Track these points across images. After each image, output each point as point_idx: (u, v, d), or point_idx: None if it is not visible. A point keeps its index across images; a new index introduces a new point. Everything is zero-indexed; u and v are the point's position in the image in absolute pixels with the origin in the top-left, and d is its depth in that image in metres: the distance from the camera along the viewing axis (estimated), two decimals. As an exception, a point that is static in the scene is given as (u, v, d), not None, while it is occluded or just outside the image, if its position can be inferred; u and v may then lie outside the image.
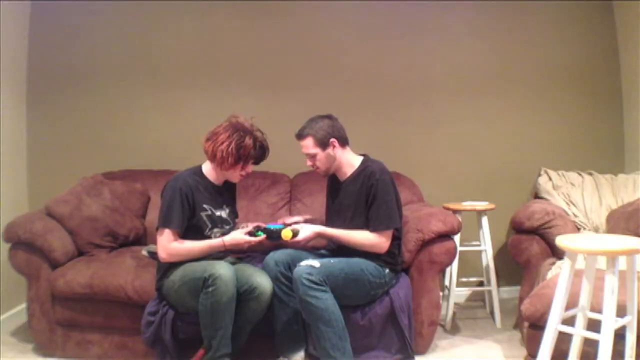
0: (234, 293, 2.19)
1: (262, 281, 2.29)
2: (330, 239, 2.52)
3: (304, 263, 2.27)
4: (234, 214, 2.55)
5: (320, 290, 2.21)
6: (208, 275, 2.16)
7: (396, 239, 2.48)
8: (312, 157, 2.47)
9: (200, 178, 2.41)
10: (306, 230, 2.39)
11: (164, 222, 2.29)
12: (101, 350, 2.57)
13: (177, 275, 2.29)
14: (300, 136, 2.48)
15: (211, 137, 2.36)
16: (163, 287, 2.35)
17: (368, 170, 2.44)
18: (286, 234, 2.35)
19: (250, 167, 2.43)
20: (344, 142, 2.51)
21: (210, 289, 2.15)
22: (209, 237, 2.38)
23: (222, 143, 2.31)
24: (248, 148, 2.34)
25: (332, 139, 2.45)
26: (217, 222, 2.42)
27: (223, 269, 2.17)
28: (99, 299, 2.51)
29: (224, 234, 2.41)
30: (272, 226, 2.40)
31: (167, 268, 2.34)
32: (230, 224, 2.49)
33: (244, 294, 2.26)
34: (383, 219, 2.38)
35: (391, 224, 2.40)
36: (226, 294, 2.15)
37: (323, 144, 2.44)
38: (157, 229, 2.32)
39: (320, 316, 2.22)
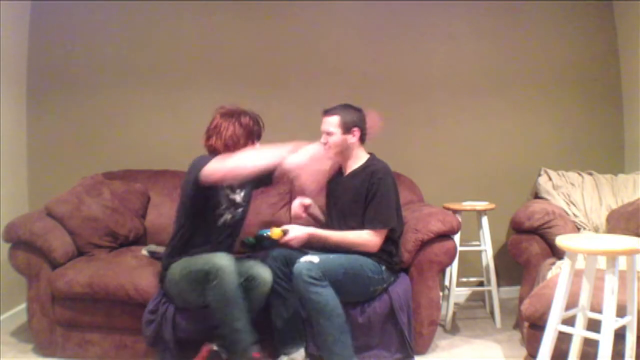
0: (238, 282, 2.19)
1: (262, 271, 2.33)
2: (321, 241, 2.48)
3: (303, 259, 2.27)
4: (248, 195, 2.56)
5: (320, 286, 2.21)
6: (209, 268, 2.16)
7: (392, 240, 2.48)
8: (329, 134, 2.48)
9: None
10: (297, 231, 2.40)
11: (205, 161, 2.24)
12: (101, 350, 2.56)
13: (177, 267, 2.31)
14: (328, 112, 2.50)
15: (213, 133, 2.39)
16: (165, 280, 2.35)
17: (371, 169, 2.46)
18: (275, 232, 2.37)
19: (258, 145, 2.46)
20: (363, 138, 2.55)
21: (214, 283, 2.15)
22: (220, 216, 2.41)
23: (228, 129, 2.36)
24: (250, 125, 2.40)
25: (356, 128, 2.48)
26: (231, 204, 2.45)
27: (224, 261, 2.17)
28: (99, 299, 2.51)
29: (233, 217, 2.45)
30: (263, 232, 2.41)
31: (169, 261, 2.35)
32: (242, 206, 2.51)
33: (245, 283, 2.27)
34: (380, 217, 2.39)
35: (387, 223, 2.41)
36: (231, 284, 2.15)
37: (346, 127, 2.47)
38: (201, 177, 2.21)
39: (321, 311, 2.22)
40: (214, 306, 2.18)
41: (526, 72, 3.56)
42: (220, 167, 2.21)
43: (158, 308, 2.38)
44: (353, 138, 2.49)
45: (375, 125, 2.60)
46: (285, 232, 2.39)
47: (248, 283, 2.29)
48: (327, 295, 2.23)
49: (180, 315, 2.37)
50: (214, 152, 2.38)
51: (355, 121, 2.48)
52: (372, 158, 2.56)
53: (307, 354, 2.42)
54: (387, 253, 2.46)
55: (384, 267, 2.44)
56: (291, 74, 3.51)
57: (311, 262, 2.24)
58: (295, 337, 2.41)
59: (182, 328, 2.38)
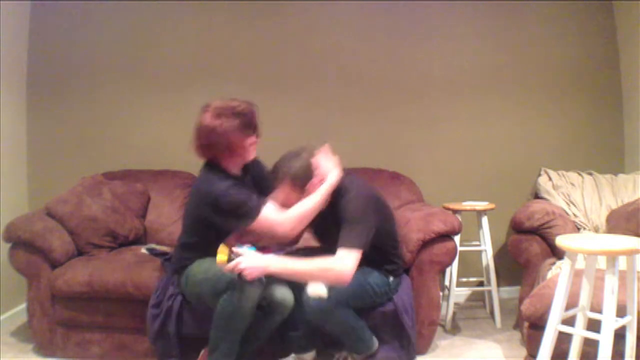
0: (256, 304, 2.12)
1: (285, 295, 2.20)
2: (283, 274, 2.12)
3: (311, 293, 2.13)
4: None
5: (333, 316, 2.17)
6: (236, 279, 2.07)
7: (391, 252, 2.41)
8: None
9: (226, 178, 2.23)
10: (251, 261, 2.03)
11: (253, 211, 2.11)
12: (101, 350, 2.57)
13: (201, 267, 2.22)
14: (275, 179, 2.22)
15: (207, 140, 2.18)
16: (182, 277, 2.28)
17: (341, 190, 2.21)
18: (220, 256, 2.07)
19: (254, 137, 2.28)
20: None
21: (235, 294, 2.08)
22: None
23: (225, 135, 2.16)
24: (247, 119, 2.20)
25: (309, 183, 2.18)
26: None
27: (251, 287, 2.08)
28: (99, 297, 2.51)
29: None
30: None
31: (189, 262, 2.27)
32: None
33: (266, 306, 2.19)
34: (348, 240, 2.08)
35: (356, 245, 2.08)
36: (250, 302, 2.09)
37: (301, 188, 2.19)
38: (251, 223, 2.10)
39: (341, 333, 2.25)
40: (221, 311, 2.12)
41: (526, 72, 3.56)
42: (291, 223, 2.12)
43: (161, 302, 2.37)
44: (312, 190, 2.18)
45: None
46: (231, 256, 2.08)
47: (268, 306, 2.20)
48: (341, 320, 2.20)
49: (186, 311, 2.36)
50: (212, 158, 2.24)
51: (308, 176, 2.16)
52: (345, 177, 2.24)
53: (318, 353, 2.40)
54: (391, 262, 2.40)
55: (391, 279, 2.38)
56: (291, 75, 3.50)
57: (320, 298, 2.12)
58: (307, 340, 2.37)
59: (187, 324, 2.36)
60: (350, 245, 2.06)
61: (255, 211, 2.13)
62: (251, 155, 2.31)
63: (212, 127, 2.17)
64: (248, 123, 2.22)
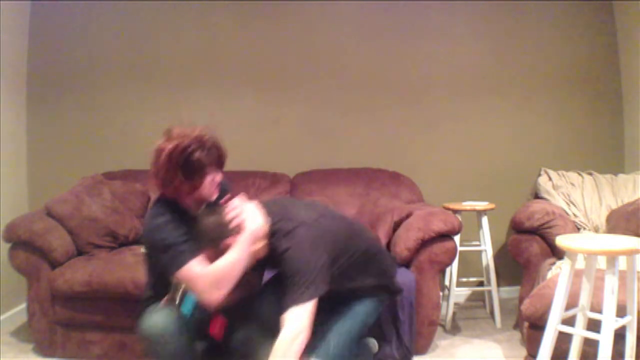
0: (183, 347, 1.85)
1: (245, 339, 1.94)
2: None
3: None
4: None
5: None
6: (141, 333, 1.84)
7: (370, 262, 2.07)
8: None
9: (169, 213, 1.91)
10: None
11: (178, 257, 1.83)
12: (101, 350, 2.57)
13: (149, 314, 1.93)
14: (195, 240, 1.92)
15: (160, 181, 1.92)
16: None
17: (274, 244, 1.90)
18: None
19: (219, 176, 1.96)
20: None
21: (145, 350, 1.86)
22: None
23: (172, 181, 1.88)
24: (198, 161, 1.88)
25: (227, 239, 1.86)
26: None
27: (156, 320, 1.84)
28: (99, 297, 2.51)
29: None
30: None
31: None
32: None
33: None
34: (296, 296, 1.76)
35: (304, 299, 1.76)
36: (164, 352, 1.83)
37: (217, 246, 1.89)
38: (175, 271, 1.83)
39: None
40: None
41: (526, 72, 3.56)
42: (209, 279, 1.80)
43: None
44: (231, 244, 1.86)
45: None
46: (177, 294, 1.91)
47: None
48: None
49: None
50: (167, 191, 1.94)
51: (222, 233, 1.85)
52: (279, 221, 1.91)
53: None
54: (377, 283, 2.08)
55: (384, 296, 2.14)
56: (291, 74, 3.50)
57: None
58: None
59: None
60: (297, 302, 1.76)
61: (182, 259, 1.82)
62: (211, 194, 1.96)
63: (159, 169, 1.92)
64: (200, 167, 1.88)
